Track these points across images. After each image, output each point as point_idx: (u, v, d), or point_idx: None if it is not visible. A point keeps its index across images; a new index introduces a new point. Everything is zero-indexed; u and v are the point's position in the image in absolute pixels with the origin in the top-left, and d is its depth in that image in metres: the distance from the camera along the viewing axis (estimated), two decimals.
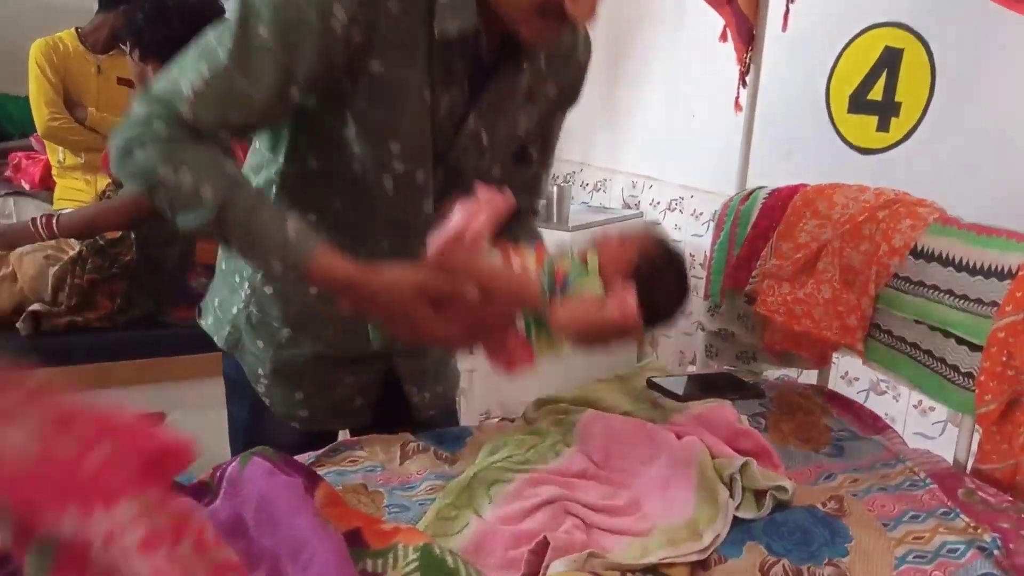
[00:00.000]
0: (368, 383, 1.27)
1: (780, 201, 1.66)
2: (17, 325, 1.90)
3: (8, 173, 3.35)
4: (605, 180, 3.51)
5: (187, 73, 0.95)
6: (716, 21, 2.02)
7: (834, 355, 1.69)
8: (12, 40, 4.34)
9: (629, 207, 3.34)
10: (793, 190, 1.67)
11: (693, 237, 3.02)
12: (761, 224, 1.68)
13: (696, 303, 2.75)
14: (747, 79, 1.87)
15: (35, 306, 1.93)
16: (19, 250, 2.01)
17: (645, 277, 1.03)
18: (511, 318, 1.02)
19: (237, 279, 1.23)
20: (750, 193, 1.74)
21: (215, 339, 1.28)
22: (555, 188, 2.97)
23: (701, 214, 2.99)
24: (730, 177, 2.87)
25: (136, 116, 0.95)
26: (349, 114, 1.02)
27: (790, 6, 1.82)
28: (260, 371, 1.24)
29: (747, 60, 1.84)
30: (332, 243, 0.96)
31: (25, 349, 1.90)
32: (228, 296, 1.25)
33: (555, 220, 2.97)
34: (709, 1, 1.84)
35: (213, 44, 0.95)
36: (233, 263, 1.25)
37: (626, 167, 3.39)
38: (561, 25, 0.97)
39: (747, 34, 1.81)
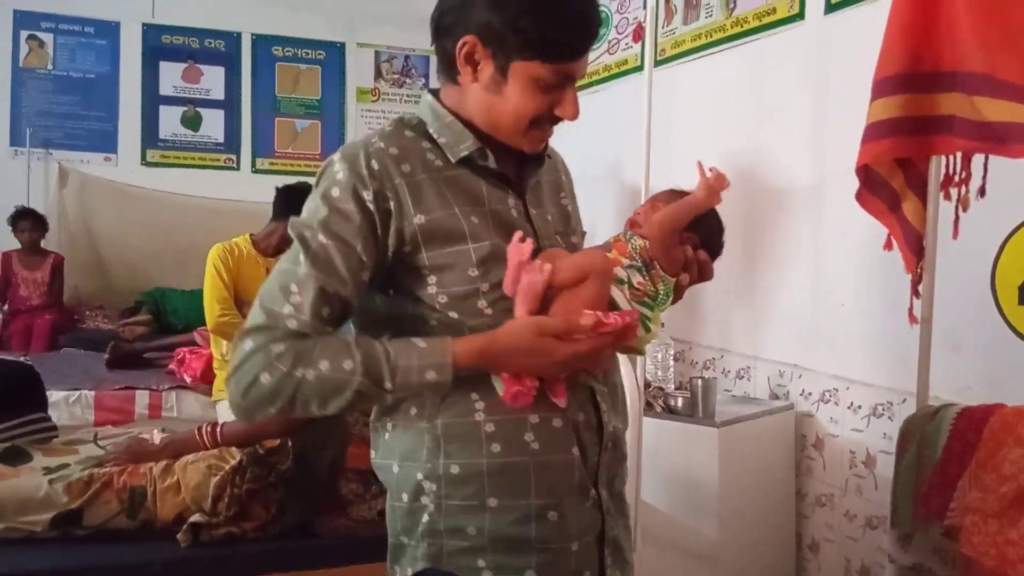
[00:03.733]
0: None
1: (974, 423, 1.52)
2: (178, 536, 1.94)
3: (172, 367, 3.57)
4: (748, 368, 3.39)
5: (277, 298, 1.09)
6: (857, 211, 1.94)
7: None
8: (178, 241, 4.79)
9: (777, 397, 3.19)
10: (987, 411, 1.53)
11: (853, 432, 2.82)
12: (954, 447, 1.54)
13: (876, 535, 2.53)
14: (920, 289, 1.77)
15: (195, 517, 1.96)
16: (184, 459, 2.08)
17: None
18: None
19: (406, 498, 1.18)
20: (936, 411, 1.61)
21: (423, 567, 1.18)
22: (699, 381, 2.86)
23: (859, 407, 2.80)
24: (889, 369, 2.71)
25: (245, 352, 1.07)
26: (425, 274, 1.13)
27: (960, 214, 1.74)
28: (481, 562, 1.14)
29: (919, 271, 1.75)
30: None
31: (182, 561, 1.92)
32: (410, 522, 1.18)
33: (700, 415, 2.83)
34: (871, 210, 1.78)
35: (289, 267, 1.11)
36: (401, 482, 1.19)
37: (770, 355, 3.26)
38: (551, 127, 1.18)
39: (916, 244, 1.73)
